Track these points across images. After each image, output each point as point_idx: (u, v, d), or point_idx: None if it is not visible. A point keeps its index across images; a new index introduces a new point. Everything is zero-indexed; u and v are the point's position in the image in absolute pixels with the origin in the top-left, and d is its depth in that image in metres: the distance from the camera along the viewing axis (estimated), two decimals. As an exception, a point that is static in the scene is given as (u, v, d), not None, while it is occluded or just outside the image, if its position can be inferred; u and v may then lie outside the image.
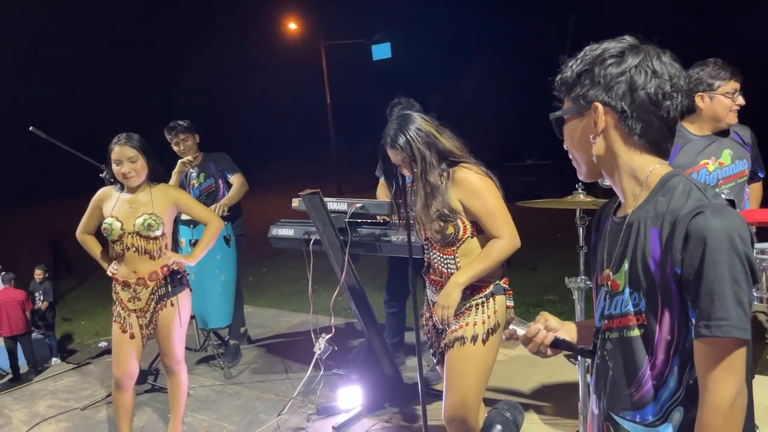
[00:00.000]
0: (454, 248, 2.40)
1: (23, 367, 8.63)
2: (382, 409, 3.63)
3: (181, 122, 4.57)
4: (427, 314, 2.62)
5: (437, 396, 3.61)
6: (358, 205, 3.37)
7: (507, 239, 2.34)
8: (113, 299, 3.21)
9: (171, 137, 4.56)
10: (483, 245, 2.39)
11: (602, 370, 1.30)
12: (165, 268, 3.16)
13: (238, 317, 4.73)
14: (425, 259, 2.57)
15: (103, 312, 7.08)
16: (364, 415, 3.57)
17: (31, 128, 3.53)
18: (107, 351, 5.23)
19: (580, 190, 2.86)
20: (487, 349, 2.40)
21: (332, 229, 3.38)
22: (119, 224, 3.09)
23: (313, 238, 3.53)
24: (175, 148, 4.59)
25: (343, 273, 3.41)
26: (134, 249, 3.10)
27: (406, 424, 3.45)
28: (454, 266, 2.41)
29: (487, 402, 2.52)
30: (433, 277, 2.53)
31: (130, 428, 3.35)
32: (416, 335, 2.93)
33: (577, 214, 2.92)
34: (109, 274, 3.21)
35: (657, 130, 1.21)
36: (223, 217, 4.28)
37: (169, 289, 3.18)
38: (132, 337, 3.16)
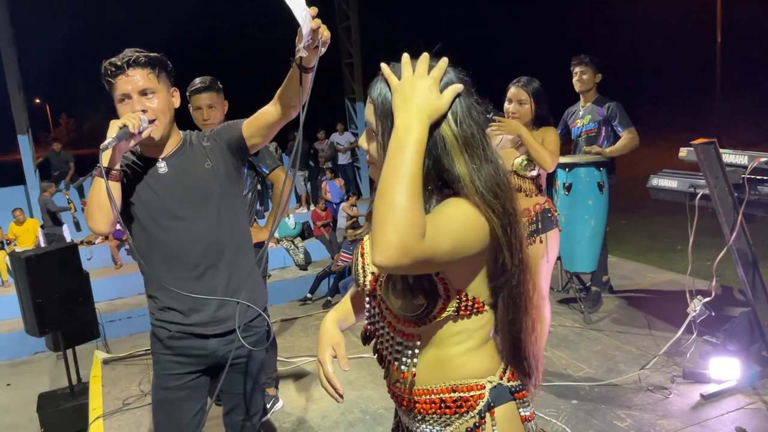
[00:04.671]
0: (418, 329, 1.26)
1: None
2: (762, 388, 3.26)
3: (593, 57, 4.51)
4: None
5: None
6: (763, 159, 2.99)
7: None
8: None
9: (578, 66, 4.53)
10: (470, 335, 1.28)
11: None
12: (537, 206, 3.31)
13: (602, 265, 4.69)
14: (367, 329, 1.41)
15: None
16: (739, 391, 3.25)
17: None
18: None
19: None
20: None
21: (725, 184, 3.09)
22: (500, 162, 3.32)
23: (699, 192, 3.28)
24: (577, 84, 4.54)
25: (734, 234, 3.11)
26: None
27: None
28: (411, 359, 1.28)
29: None
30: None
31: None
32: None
33: None
34: None
35: None
36: (598, 163, 4.23)
37: (539, 227, 3.32)
38: None
